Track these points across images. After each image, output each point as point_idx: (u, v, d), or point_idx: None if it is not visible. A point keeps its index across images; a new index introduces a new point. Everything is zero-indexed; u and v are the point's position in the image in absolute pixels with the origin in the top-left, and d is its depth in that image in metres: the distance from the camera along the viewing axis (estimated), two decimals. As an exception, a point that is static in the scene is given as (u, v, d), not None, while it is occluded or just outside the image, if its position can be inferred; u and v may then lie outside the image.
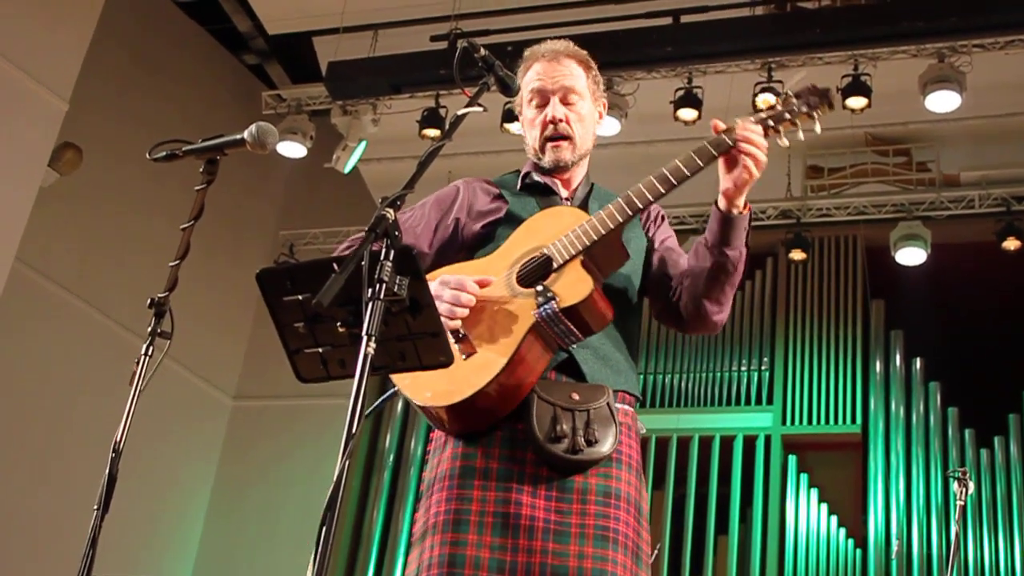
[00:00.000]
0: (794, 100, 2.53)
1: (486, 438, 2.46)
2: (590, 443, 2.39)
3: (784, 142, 2.53)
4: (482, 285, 2.49)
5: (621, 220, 2.47)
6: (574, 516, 2.37)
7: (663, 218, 2.78)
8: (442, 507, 2.41)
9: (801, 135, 2.53)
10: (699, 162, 2.47)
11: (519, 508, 2.36)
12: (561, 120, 2.69)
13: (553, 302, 2.41)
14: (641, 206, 2.48)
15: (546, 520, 2.35)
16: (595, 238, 2.46)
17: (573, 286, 2.43)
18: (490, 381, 2.39)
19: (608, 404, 2.44)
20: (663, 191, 2.48)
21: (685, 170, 2.48)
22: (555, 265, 2.49)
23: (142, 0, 10.16)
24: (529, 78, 2.76)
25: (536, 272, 2.50)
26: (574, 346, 2.48)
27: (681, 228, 8.94)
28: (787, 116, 2.51)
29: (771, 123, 2.50)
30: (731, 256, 2.49)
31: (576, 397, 2.43)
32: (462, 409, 2.43)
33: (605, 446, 2.40)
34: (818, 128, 2.53)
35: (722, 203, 2.49)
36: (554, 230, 2.53)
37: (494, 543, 2.34)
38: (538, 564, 2.31)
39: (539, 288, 2.45)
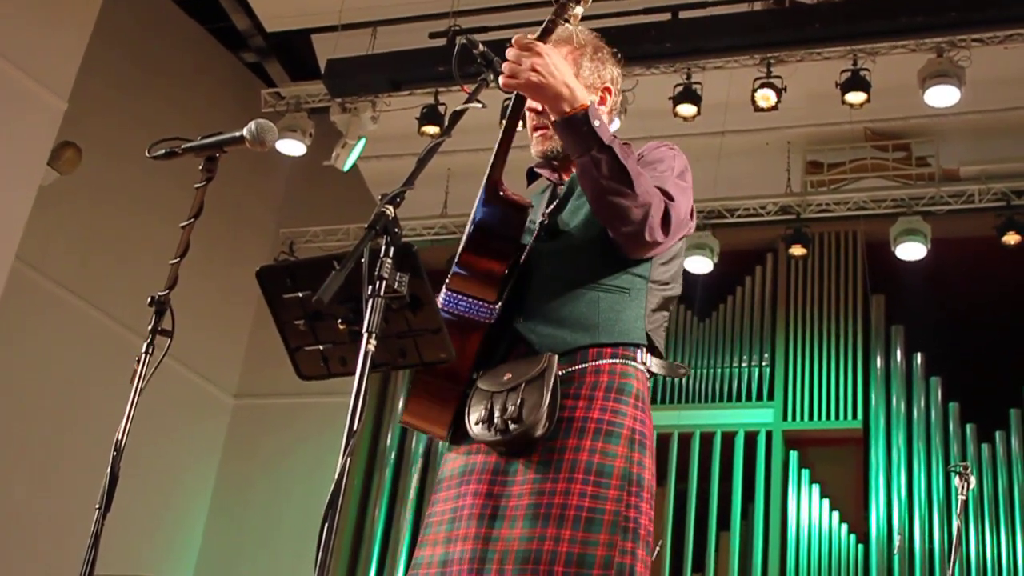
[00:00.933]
0: None
1: (457, 439, 2.49)
2: (515, 420, 2.31)
3: (569, 27, 2.54)
4: None
5: (487, 175, 2.49)
6: (511, 499, 2.33)
7: (640, 158, 2.62)
8: (427, 513, 2.48)
9: (579, 9, 2.51)
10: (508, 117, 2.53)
11: (472, 498, 2.36)
12: (539, 110, 2.65)
13: (444, 285, 2.44)
14: (495, 151, 2.50)
15: (493, 506, 2.33)
16: (475, 206, 2.48)
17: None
18: (414, 379, 2.45)
19: (542, 372, 2.34)
20: (501, 142, 2.52)
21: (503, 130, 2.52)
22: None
23: (140, -1, 10.17)
24: None
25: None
26: (524, 319, 2.45)
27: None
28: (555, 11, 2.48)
29: (549, 24, 2.48)
30: (583, 163, 2.38)
31: (508, 377, 2.38)
32: (411, 413, 2.51)
33: (530, 418, 2.30)
34: (579, 10, 2.50)
35: (553, 118, 2.46)
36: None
37: (445, 537, 2.36)
38: (470, 550, 2.30)
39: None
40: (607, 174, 2.36)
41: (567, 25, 2.59)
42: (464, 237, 2.47)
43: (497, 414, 2.33)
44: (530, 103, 2.66)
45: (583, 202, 2.52)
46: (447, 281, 2.46)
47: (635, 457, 2.36)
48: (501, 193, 2.47)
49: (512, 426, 2.31)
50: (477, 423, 2.37)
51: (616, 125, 2.76)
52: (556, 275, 2.48)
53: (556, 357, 2.36)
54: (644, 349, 2.48)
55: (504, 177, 2.59)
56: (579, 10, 2.53)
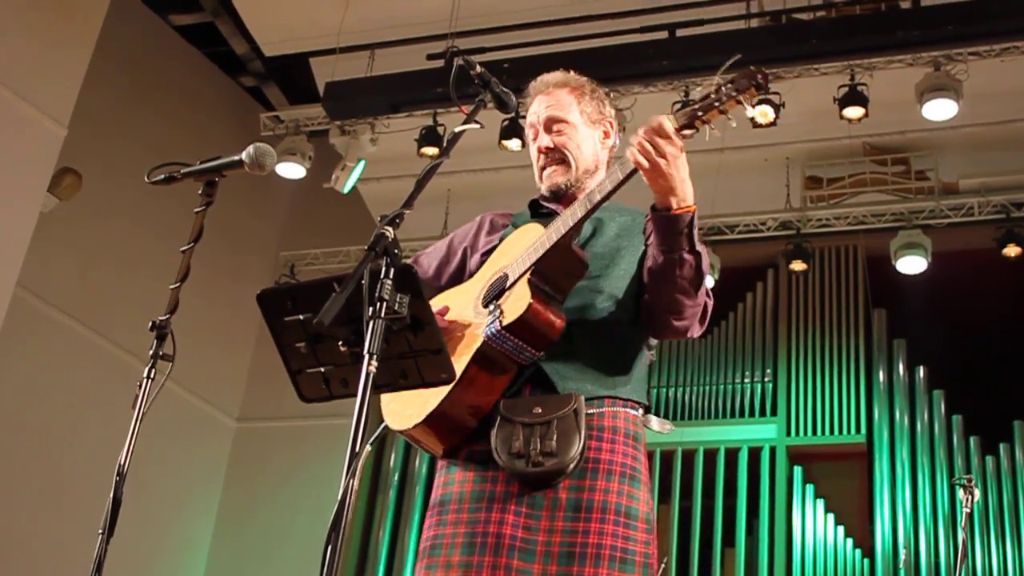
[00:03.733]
0: (722, 87, 2.42)
1: (464, 462, 2.54)
2: (548, 455, 2.38)
3: (716, 133, 2.47)
4: (441, 314, 2.57)
5: (564, 232, 2.49)
6: (541, 533, 2.38)
7: None
8: (428, 534, 2.51)
9: (733, 122, 2.44)
10: (619, 174, 2.48)
11: (487, 527, 2.40)
12: (549, 147, 2.75)
13: (497, 320, 2.45)
14: (581, 216, 2.50)
15: (512, 537, 2.37)
16: (542, 253, 2.49)
17: (516, 302, 2.47)
18: (441, 402, 2.46)
19: (575, 412, 2.42)
20: (600, 200, 2.49)
21: (609, 184, 2.49)
22: (508, 283, 2.54)
23: (139, 25, 10.19)
24: (528, 114, 2.85)
25: (495, 292, 2.57)
26: (546, 358, 2.49)
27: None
28: (714, 104, 2.42)
29: (699, 114, 2.43)
30: (670, 258, 2.46)
31: (538, 411, 2.43)
32: (423, 431, 2.53)
33: (566, 456, 2.38)
34: (749, 111, 2.46)
35: (656, 202, 2.49)
36: (519, 248, 2.58)
37: (461, 561, 2.39)
38: None
39: (491, 307, 2.50)
40: (687, 276, 2.48)
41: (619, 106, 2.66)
42: (529, 281, 2.48)
43: (533, 448, 2.39)
44: (541, 144, 2.76)
45: (621, 253, 2.63)
46: (503, 316, 2.46)
47: (650, 501, 2.51)
48: (574, 251, 2.54)
49: (550, 461, 2.38)
50: (509, 454, 2.41)
51: (602, 175, 2.78)
52: (585, 321, 2.56)
53: (583, 398, 2.45)
54: (644, 409, 2.61)
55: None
56: (752, 111, 2.48)
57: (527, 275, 2.49)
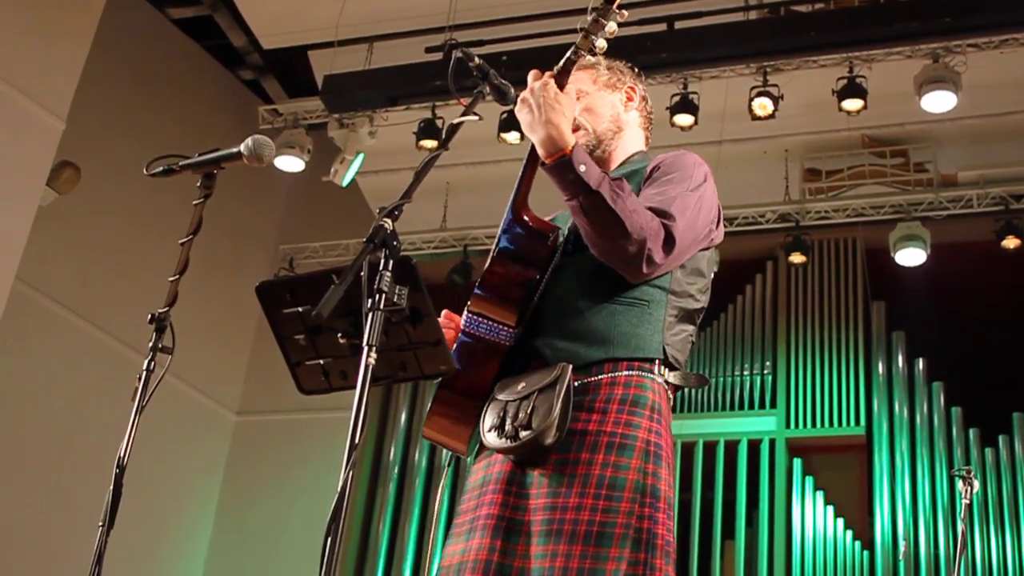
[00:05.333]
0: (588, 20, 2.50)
1: (477, 454, 2.54)
2: (524, 427, 2.33)
3: (596, 51, 2.52)
4: (448, 318, 2.60)
5: (511, 202, 2.51)
6: (527, 513, 2.35)
7: (657, 169, 2.65)
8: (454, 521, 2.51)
9: (602, 42, 2.49)
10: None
11: (490, 508, 2.38)
12: None
13: (466, 308, 2.48)
14: (519, 180, 2.51)
15: (503, 518, 2.35)
16: (500, 231, 2.52)
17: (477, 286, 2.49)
18: (435, 397, 2.50)
19: (555, 380, 2.35)
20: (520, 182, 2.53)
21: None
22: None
23: (137, 18, 10.17)
24: None
25: None
26: (536, 332, 2.48)
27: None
28: (583, 35, 2.50)
29: (570, 56, 2.50)
30: (573, 206, 2.42)
31: (522, 386, 2.40)
32: (433, 429, 2.54)
33: (542, 424, 2.31)
34: (612, 26, 2.49)
35: (541, 159, 2.48)
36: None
37: (465, 548, 2.38)
38: (485, 561, 2.31)
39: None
40: (597, 218, 2.39)
41: (591, 57, 2.63)
42: (488, 259, 2.52)
43: (508, 421, 2.35)
44: None
45: None
46: (468, 304, 2.50)
47: (649, 468, 2.36)
48: (525, 218, 2.51)
49: (523, 433, 2.33)
50: (490, 430, 2.40)
51: (638, 138, 2.79)
52: (573, 290, 2.51)
53: (570, 367, 2.38)
54: (659, 362, 2.50)
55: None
56: (605, 33, 2.51)
57: (491, 255, 2.52)
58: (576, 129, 2.67)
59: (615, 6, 2.47)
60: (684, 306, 2.59)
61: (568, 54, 2.51)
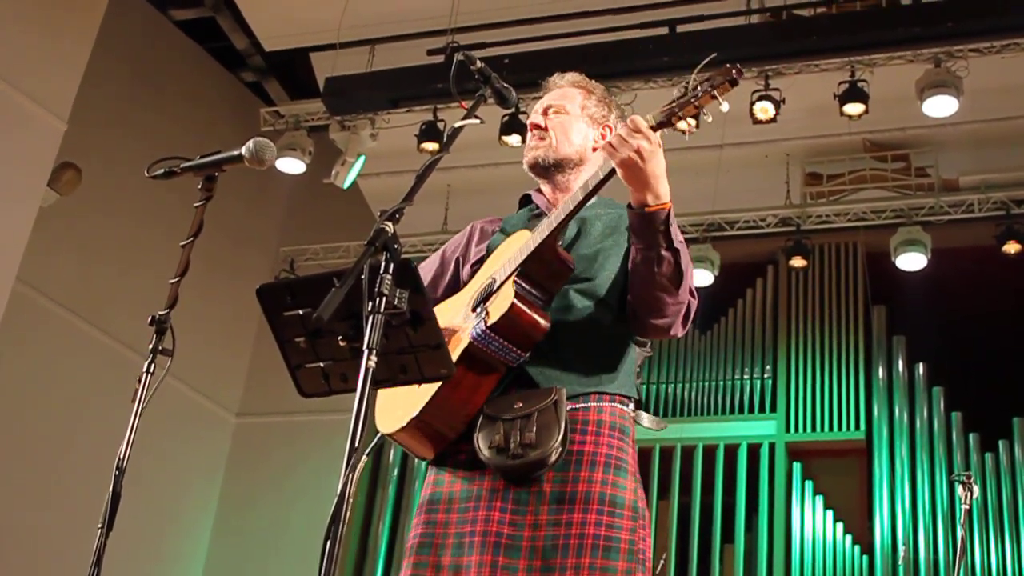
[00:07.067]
0: (697, 85, 2.49)
1: (451, 461, 2.54)
2: (528, 446, 2.37)
3: (687, 125, 2.50)
4: None
5: (547, 234, 2.49)
6: (527, 529, 2.38)
7: None
8: (415, 531, 2.51)
9: (709, 117, 2.50)
10: (600, 174, 2.48)
11: (475, 525, 2.40)
12: (537, 124, 2.78)
13: (482, 320, 2.46)
14: (564, 218, 2.49)
15: (498, 534, 2.38)
16: (526, 255, 2.49)
17: (500, 303, 2.47)
18: (428, 403, 2.45)
19: (555, 404, 2.41)
20: (581, 200, 2.49)
21: (591, 182, 2.49)
22: (495, 287, 2.55)
23: (140, 20, 10.18)
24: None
25: (483, 296, 2.58)
26: (532, 360, 2.49)
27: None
28: (690, 101, 2.48)
29: (676, 111, 2.47)
30: (647, 255, 2.46)
31: (519, 406, 2.43)
32: (411, 434, 2.51)
33: (547, 446, 2.37)
34: (724, 107, 2.49)
35: (631, 200, 2.49)
36: (509, 254, 2.59)
37: (452, 563, 2.40)
38: None
39: (478, 310, 2.51)
40: (666, 273, 2.48)
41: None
42: (514, 282, 2.49)
43: (513, 440, 2.39)
44: (533, 120, 2.77)
45: (606, 253, 2.62)
46: (487, 317, 2.47)
47: (639, 492, 2.49)
48: (558, 253, 2.53)
49: (532, 452, 2.38)
50: (490, 448, 2.41)
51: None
52: (570, 322, 2.55)
53: (564, 390, 2.45)
54: (636, 402, 2.61)
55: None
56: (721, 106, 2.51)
57: (512, 277, 2.50)
58: (540, 139, 2.75)
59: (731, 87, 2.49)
60: (645, 355, 2.73)
61: (674, 107, 2.48)
